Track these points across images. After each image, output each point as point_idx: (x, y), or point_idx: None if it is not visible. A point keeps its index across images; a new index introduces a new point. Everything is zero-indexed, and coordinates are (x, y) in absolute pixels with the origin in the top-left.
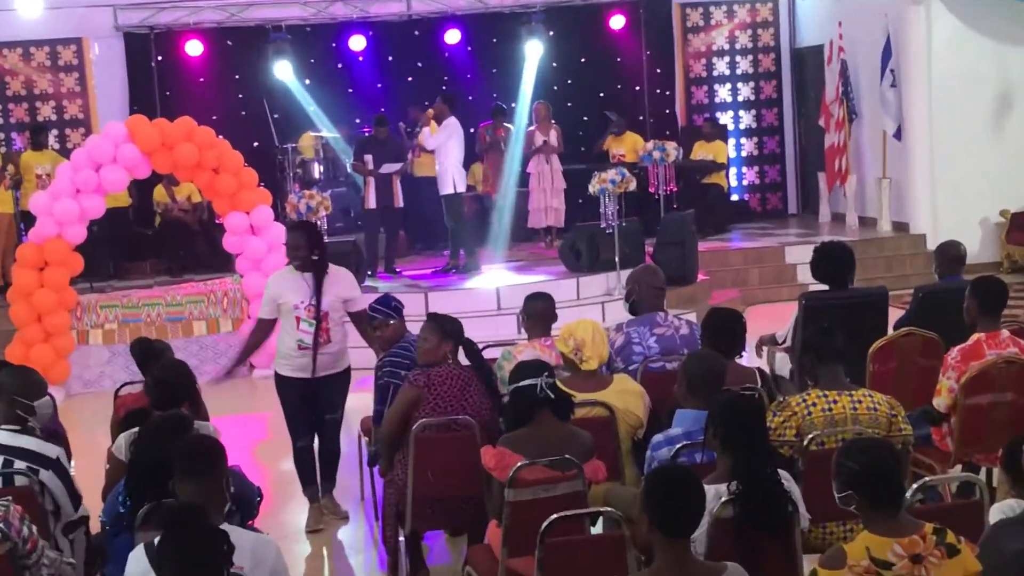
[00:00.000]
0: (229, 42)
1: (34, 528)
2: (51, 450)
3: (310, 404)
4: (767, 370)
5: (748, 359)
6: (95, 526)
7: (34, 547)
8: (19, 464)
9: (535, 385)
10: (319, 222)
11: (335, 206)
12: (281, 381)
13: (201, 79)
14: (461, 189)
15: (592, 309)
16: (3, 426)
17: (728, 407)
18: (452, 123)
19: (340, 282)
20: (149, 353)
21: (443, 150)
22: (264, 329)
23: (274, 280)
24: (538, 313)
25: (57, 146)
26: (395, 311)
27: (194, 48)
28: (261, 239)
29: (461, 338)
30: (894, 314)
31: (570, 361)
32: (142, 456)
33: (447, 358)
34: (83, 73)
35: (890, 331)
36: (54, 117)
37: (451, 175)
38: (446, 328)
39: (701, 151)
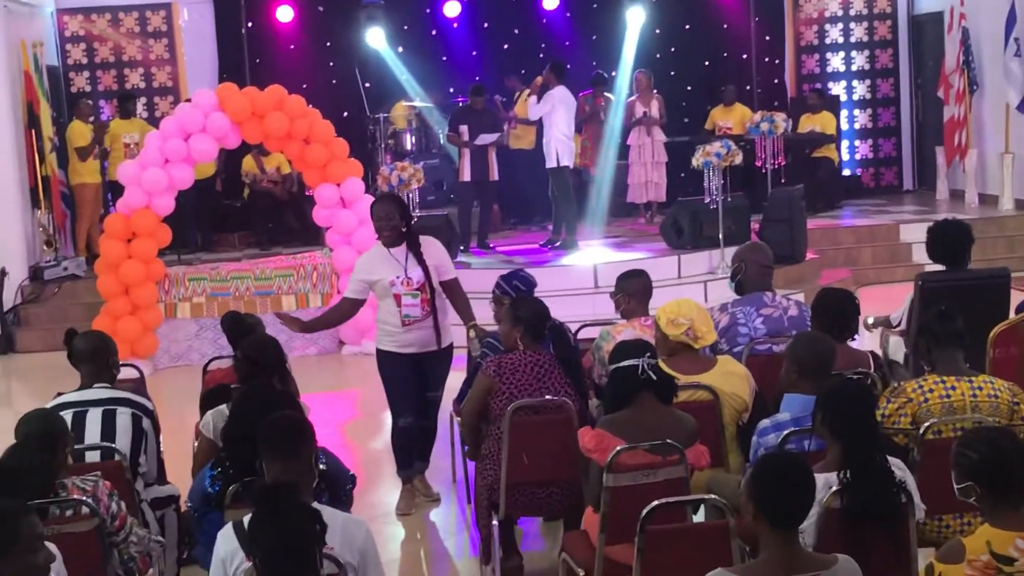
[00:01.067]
0: (320, 8)
1: (123, 504)
2: (148, 403)
3: (415, 381)
4: (880, 354)
5: (860, 342)
6: (183, 505)
7: (123, 524)
8: (122, 410)
9: (637, 366)
10: (411, 195)
11: (428, 179)
12: (385, 357)
13: (291, 46)
14: (566, 163)
15: (694, 288)
16: (98, 385)
17: (837, 392)
18: (559, 93)
19: (432, 251)
20: (240, 328)
21: (548, 121)
22: (345, 309)
23: (364, 260)
24: (637, 290)
25: (146, 114)
26: (514, 289)
27: (285, 14)
28: (352, 212)
29: (536, 322)
30: (1016, 297)
31: (677, 344)
32: (232, 431)
33: (517, 344)
34: (172, 39)
35: (1012, 315)
36: (143, 85)
37: (555, 148)
38: (517, 313)
39: (807, 123)
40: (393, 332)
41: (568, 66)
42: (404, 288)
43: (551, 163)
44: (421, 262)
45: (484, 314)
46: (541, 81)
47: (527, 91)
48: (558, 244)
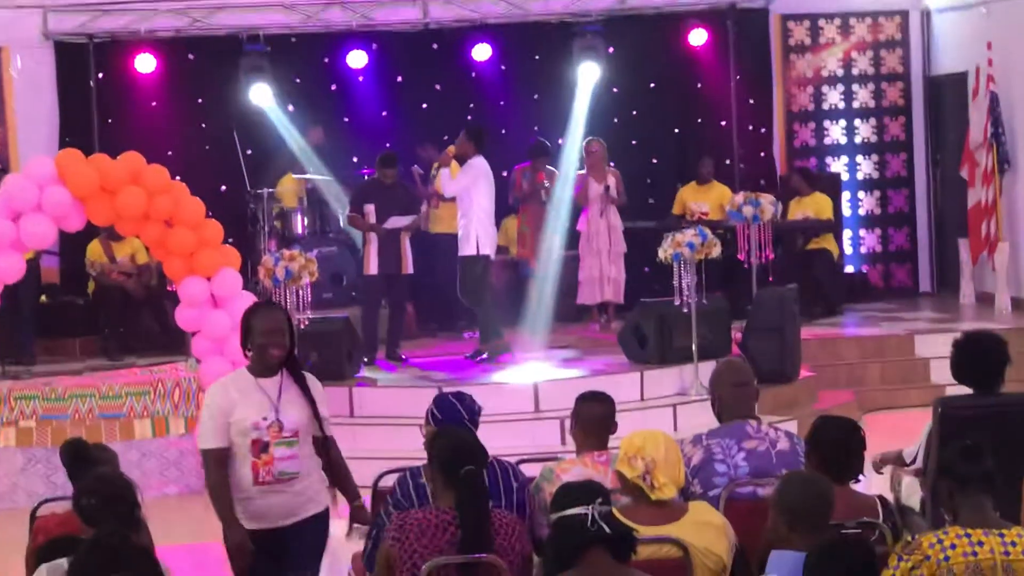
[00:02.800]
0: (191, 56)
1: None
2: None
3: (273, 564)
4: (891, 499)
5: (866, 484)
6: None
7: None
8: None
9: (585, 515)
10: (301, 292)
11: (323, 271)
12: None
13: (153, 103)
14: (488, 252)
15: (660, 415)
16: None
17: (829, 552)
18: (478, 164)
19: (318, 391)
20: (84, 460)
21: (466, 199)
22: (217, 467)
23: (217, 392)
24: (593, 420)
25: None
26: (432, 415)
27: (145, 63)
28: (225, 313)
29: (446, 460)
30: None
31: (634, 486)
32: None
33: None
34: (0, 92)
35: None
36: None
37: (474, 232)
38: (430, 450)
39: (799, 209)
40: (245, 498)
41: (486, 130)
42: (271, 435)
43: (468, 250)
44: (308, 400)
45: (398, 444)
46: (455, 150)
47: (439, 163)
48: (485, 357)
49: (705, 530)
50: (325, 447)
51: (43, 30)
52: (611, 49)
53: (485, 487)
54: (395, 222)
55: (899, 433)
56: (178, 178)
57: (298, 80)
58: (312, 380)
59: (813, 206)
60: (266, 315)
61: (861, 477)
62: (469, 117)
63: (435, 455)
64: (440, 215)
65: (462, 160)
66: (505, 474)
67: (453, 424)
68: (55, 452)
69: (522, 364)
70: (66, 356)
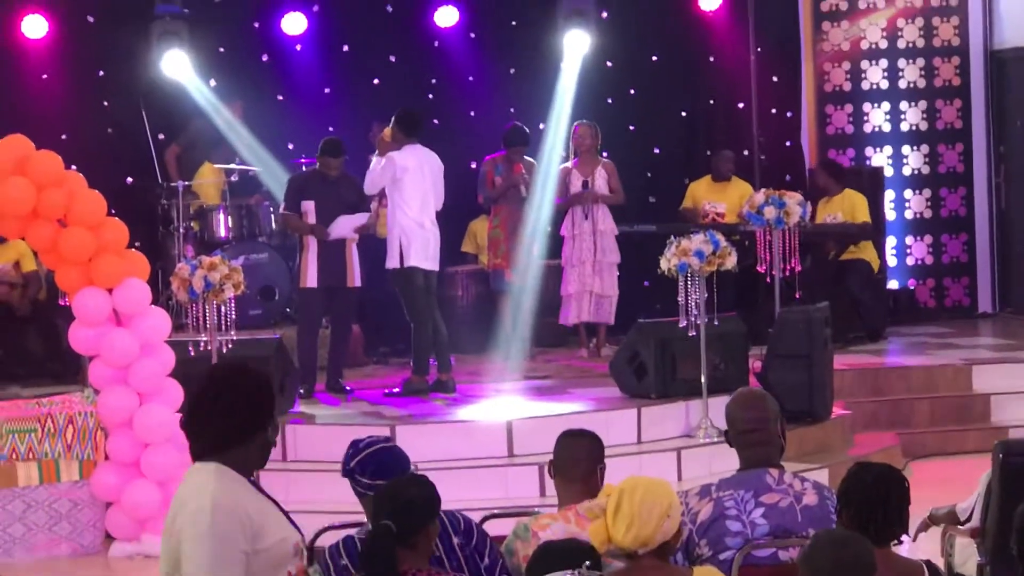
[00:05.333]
0: (91, 19)
1: None
2: None
3: None
4: (941, 565)
5: (911, 547)
6: None
7: None
8: None
9: None
10: (223, 308)
11: (251, 283)
12: None
13: (44, 76)
14: (416, 263)
15: (662, 461)
16: None
17: None
18: (400, 157)
19: None
20: None
21: (391, 201)
22: None
23: (224, 510)
24: (575, 463)
25: None
26: (363, 484)
27: (35, 27)
28: (130, 334)
29: (404, 516)
30: None
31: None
32: None
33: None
34: None
35: None
36: None
37: (397, 241)
38: (374, 509)
39: (827, 211)
40: None
41: (418, 112)
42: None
43: (391, 263)
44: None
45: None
46: (388, 136)
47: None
48: (397, 391)
49: None
50: None
51: None
52: (604, 14)
53: (391, 546)
54: (344, 224)
55: (952, 484)
56: (74, 167)
57: (222, 49)
58: None
59: (844, 207)
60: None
61: (905, 538)
62: (431, 96)
63: (378, 509)
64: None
65: (389, 148)
66: (447, 529)
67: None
68: None
69: (493, 398)
70: None
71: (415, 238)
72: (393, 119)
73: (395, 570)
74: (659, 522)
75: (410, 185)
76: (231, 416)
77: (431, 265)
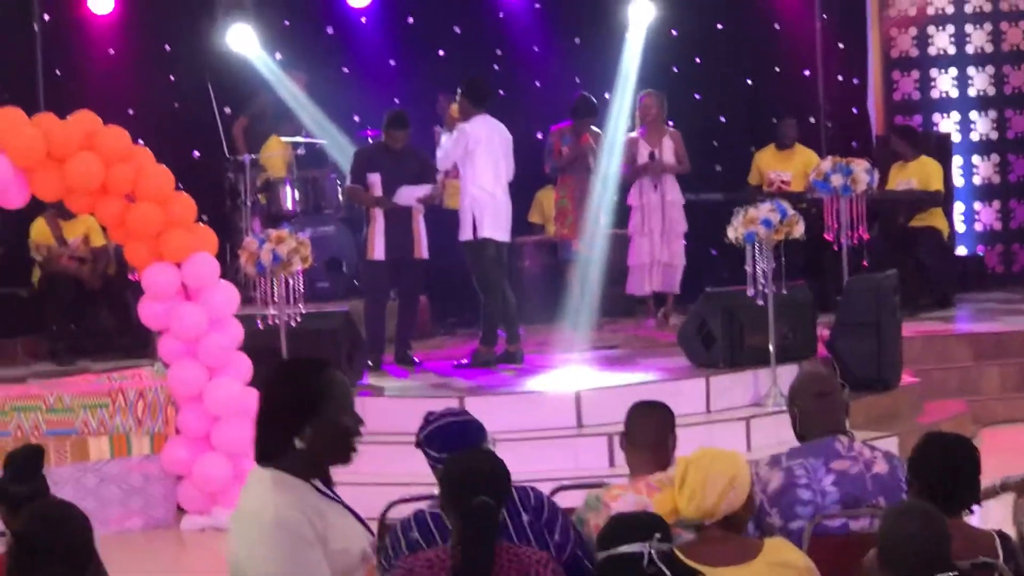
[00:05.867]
0: None
1: None
2: None
3: None
4: (1014, 535)
5: (981, 516)
6: None
7: None
8: None
9: (640, 554)
10: (292, 281)
11: (319, 255)
12: None
13: (111, 51)
14: (490, 235)
15: (731, 430)
16: None
17: None
18: (472, 128)
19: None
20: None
21: (463, 172)
22: None
23: (287, 517)
24: (646, 436)
25: None
26: (432, 457)
27: (101, 3)
28: (199, 308)
29: (453, 491)
30: None
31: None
32: None
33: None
34: None
35: None
36: None
37: (470, 213)
38: (440, 477)
39: (901, 177)
40: None
41: (485, 82)
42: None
43: (464, 235)
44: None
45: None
46: (456, 111)
47: (444, 130)
48: (465, 363)
49: (784, 573)
50: None
51: None
52: None
53: (493, 523)
54: (407, 194)
55: (1022, 452)
56: (141, 142)
57: (287, 22)
58: None
59: (919, 174)
60: (344, 384)
61: (975, 507)
62: (496, 67)
63: (443, 483)
64: (458, 185)
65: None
66: (517, 505)
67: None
68: None
69: (562, 369)
70: (6, 359)
71: (487, 209)
72: (460, 90)
73: (493, 552)
74: (722, 493)
75: (482, 156)
76: (271, 419)
77: (503, 236)
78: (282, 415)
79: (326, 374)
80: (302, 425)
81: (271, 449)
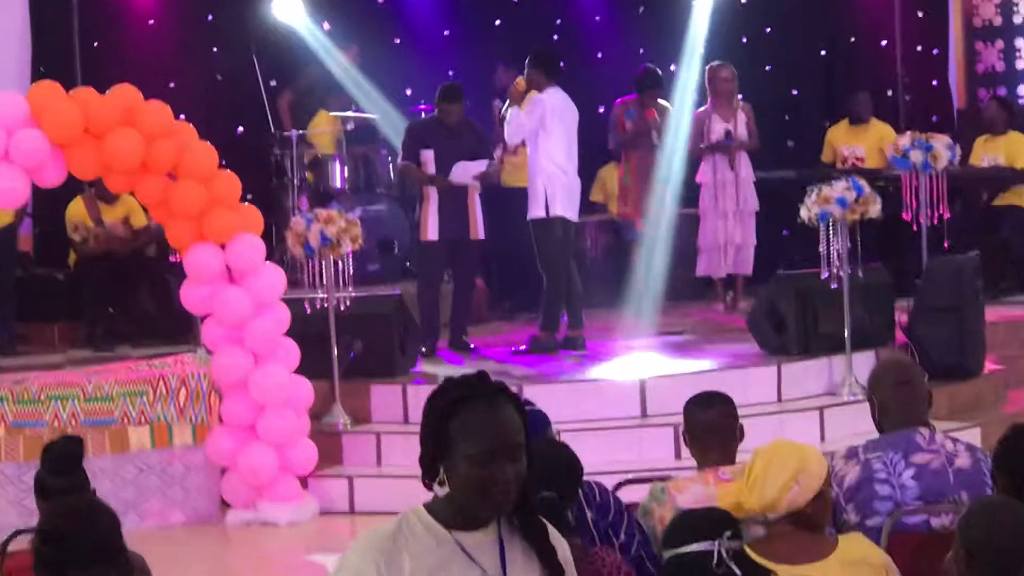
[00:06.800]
0: None
1: None
2: None
3: None
4: None
5: None
6: None
7: None
8: None
9: (710, 553)
10: (341, 263)
11: (369, 236)
12: None
13: (151, 22)
14: (562, 213)
15: (804, 420)
16: None
17: None
18: (546, 101)
19: (564, 555)
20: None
21: (531, 146)
22: None
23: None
24: (708, 430)
25: None
26: None
27: None
28: (244, 291)
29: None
30: None
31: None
32: None
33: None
34: None
35: None
36: None
37: (542, 187)
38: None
39: (986, 151)
40: None
41: (558, 55)
42: None
43: (536, 212)
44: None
45: None
46: (523, 83)
47: (510, 99)
48: (548, 347)
49: (860, 571)
50: None
51: None
52: None
53: (559, 521)
54: (463, 170)
55: None
56: (183, 118)
57: None
58: (556, 537)
59: (1006, 149)
60: (491, 417)
61: None
62: (556, 37)
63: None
64: (518, 163)
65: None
66: (581, 501)
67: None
68: (28, 469)
69: (626, 355)
70: (42, 345)
71: (560, 186)
72: (530, 60)
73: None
74: (784, 487)
75: (557, 129)
76: (422, 444)
77: (573, 215)
78: (422, 453)
79: (462, 408)
80: (435, 467)
81: (428, 487)
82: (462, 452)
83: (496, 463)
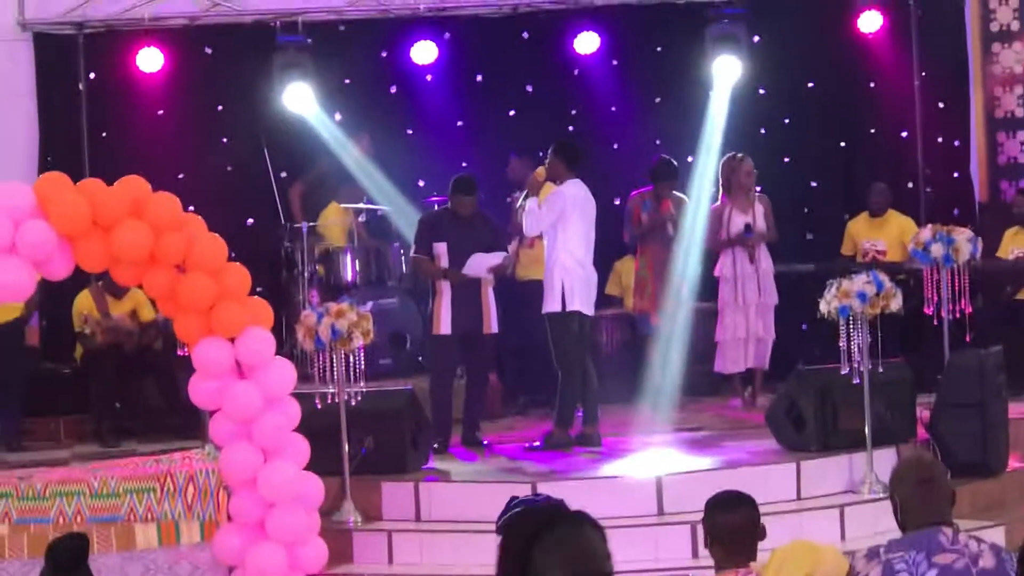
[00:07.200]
0: (208, 50)
1: None
2: None
3: None
4: None
5: None
6: None
7: None
8: None
9: None
10: (352, 357)
11: (381, 330)
12: None
13: (160, 111)
14: (578, 307)
15: (824, 518)
16: None
17: None
18: (568, 193)
19: None
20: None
21: (550, 238)
22: None
23: None
24: (732, 533)
25: None
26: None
27: (150, 60)
28: (254, 386)
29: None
30: None
31: None
32: None
33: None
34: None
35: None
36: None
37: (559, 282)
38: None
39: (1015, 243)
40: None
41: (582, 147)
42: None
43: (552, 306)
44: None
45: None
46: (543, 175)
47: (521, 194)
48: (537, 445)
49: None
50: None
51: (19, 18)
52: (756, 38)
53: None
54: (478, 263)
55: None
56: (192, 209)
57: (348, 80)
58: None
59: None
60: (579, 544)
61: None
62: (571, 128)
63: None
64: (533, 256)
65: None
66: None
67: None
68: (33, 566)
69: (642, 452)
70: (48, 440)
71: (577, 280)
72: (553, 150)
73: None
74: None
75: (576, 222)
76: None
77: (590, 310)
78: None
79: (547, 535)
80: None
81: None
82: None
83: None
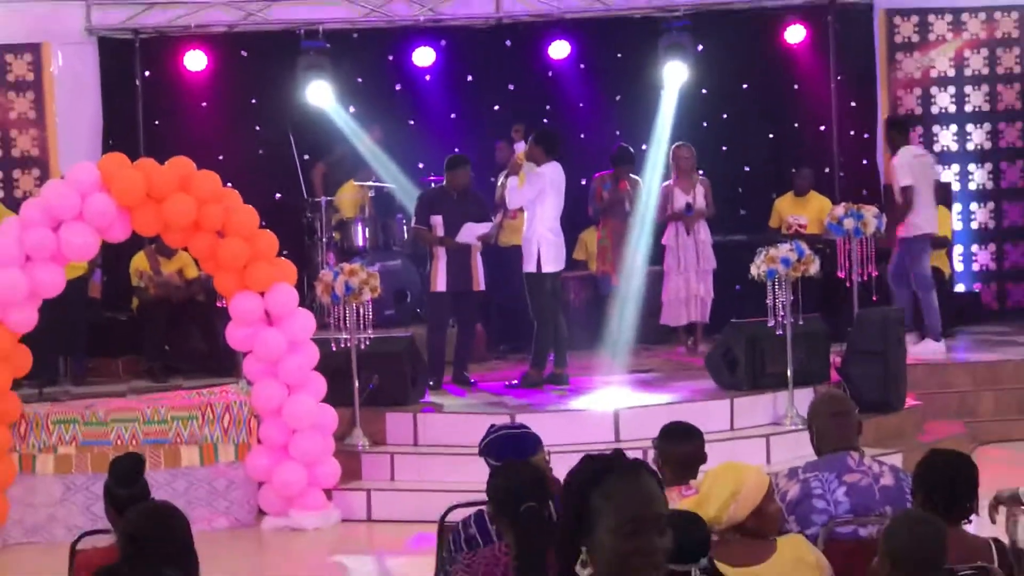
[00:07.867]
0: (244, 53)
1: None
2: None
3: None
4: (1007, 542)
5: (978, 525)
6: None
7: None
8: None
9: (687, 573)
10: (362, 309)
11: (386, 287)
12: None
13: (204, 104)
14: (551, 269)
15: (752, 446)
16: None
17: None
18: (547, 173)
19: None
20: (132, 483)
21: (529, 211)
22: None
23: None
24: (682, 459)
25: (0, 194)
26: (490, 461)
27: (196, 60)
28: (280, 331)
29: (503, 499)
30: None
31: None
32: None
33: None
34: (40, 93)
35: None
36: None
37: (536, 247)
38: (488, 488)
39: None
40: None
41: (558, 134)
42: None
43: (529, 267)
44: None
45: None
46: (523, 157)
47: (509, 169)
48: (536, 381)
49: (798, 569)
50: None
51: (86, 25)
52: (700, 47)
53: (545, 523)
54: (469, 231)
55: (1015, 468)
56: (230, 185)
57: (360, 79)
58: None
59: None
60: (635, 487)
61: (973, 517)
62: (545, 120)
63: (491, 497)
64: (515, 226)
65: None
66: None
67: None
68: (96, 480)
69: (602, 390)
70: (108, 377)
71: (550, 246)
72: (533, 138)
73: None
74: (723, 505)
75: (552, 198)
76: (558, 540)
77: (559, 268)
78: (560, 535)
79: (604, 479)
80: (576, 549)
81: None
82: (605, 525)
83: (642, 534)
